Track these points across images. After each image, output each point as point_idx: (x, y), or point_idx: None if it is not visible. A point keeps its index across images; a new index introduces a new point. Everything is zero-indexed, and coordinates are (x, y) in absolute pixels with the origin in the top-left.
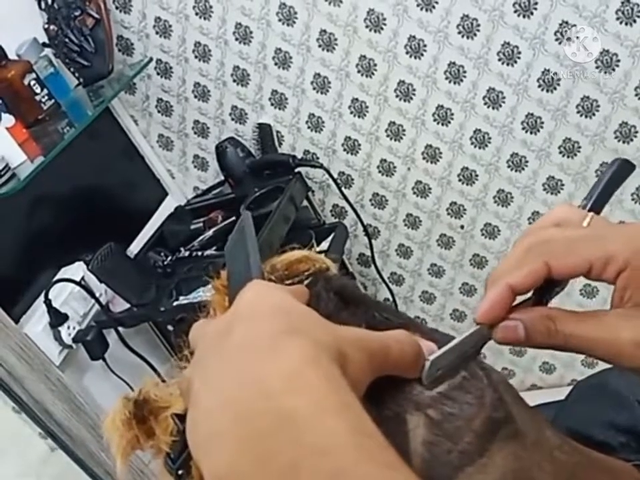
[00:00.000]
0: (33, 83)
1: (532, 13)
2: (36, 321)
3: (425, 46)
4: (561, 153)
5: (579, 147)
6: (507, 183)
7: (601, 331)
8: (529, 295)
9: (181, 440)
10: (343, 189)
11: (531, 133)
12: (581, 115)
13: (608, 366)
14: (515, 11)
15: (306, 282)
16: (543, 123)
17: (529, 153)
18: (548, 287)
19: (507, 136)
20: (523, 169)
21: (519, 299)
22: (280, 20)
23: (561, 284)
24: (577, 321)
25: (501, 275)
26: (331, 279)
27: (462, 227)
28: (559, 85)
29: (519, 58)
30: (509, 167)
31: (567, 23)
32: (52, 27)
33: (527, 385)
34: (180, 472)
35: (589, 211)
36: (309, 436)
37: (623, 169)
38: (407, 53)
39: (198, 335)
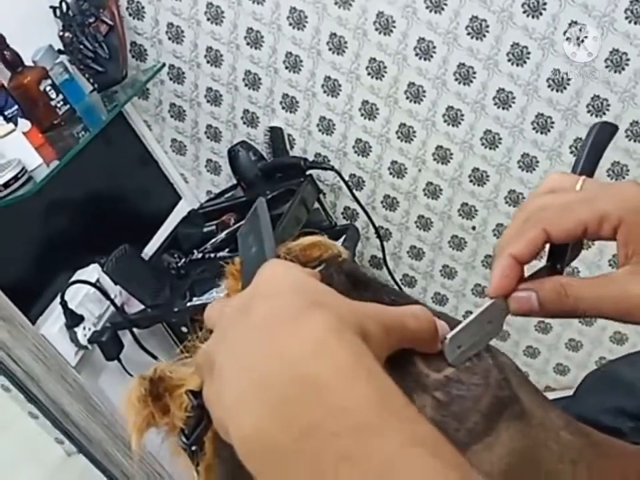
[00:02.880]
0: (48, 88)
1: (541, 14)
2: (52, 322)
3: (434, 48)
4: (571, 152)
5: None
6: (518, 183)
7: (609, 289)
8: (544, 263)
9: (195, 416)
10: (354, 190)
11: (542, 133)
12: (592, 115)
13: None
14: (524, 12)
15: (319, 268)
16: (553, 122)
17: (540, 153)
18: (559, 253)
19: (517, 136)
20: (534, 169)
21: (532, 268)
22: (290, 24)
23: (573, 250)
24: (585, 284)
25: (503, 246)
26: (342, 262)
27: (473, 227)
28: (568, 84)
29: (528, 58)
30: (519, 167)
31: (576, 22)
32: (67, 34)
33: (541, 386)
34: (193, 447)
35: (580, 174)
36: (331, 398)
37: (605, 130)
38: (417, 54)
39: (215, 312)
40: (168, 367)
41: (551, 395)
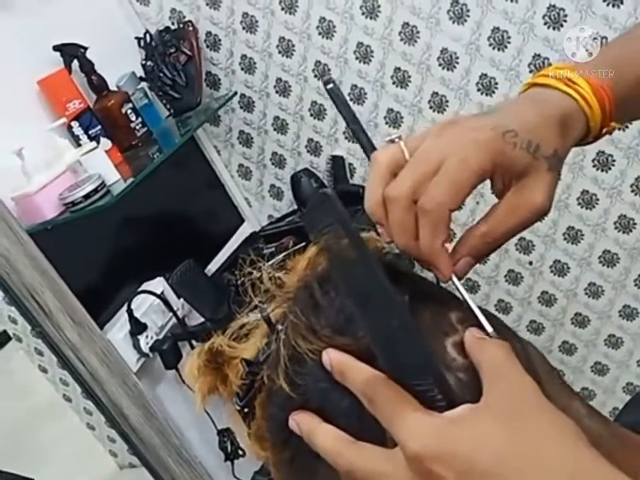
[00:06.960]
0: (129, 112)
1: (562, 25)
2: (118, 328)
3: (496, 84)
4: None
5: None
6: (577, 220)
7: (518, 201)
8: None
9: (248, 382)
10: None
11: (602, 170)
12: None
13: None
14: (545, 23)
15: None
16: (614, 161)
17: (600, 190)
18: None
19: (577, 173)
20: (594, 206)
21: None
22: (357, 58)
23: None
24: (498, 219)
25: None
26: (384, 255)
27: (530, 263)
28: None
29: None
30: (579, 203)
31: (598, 34)
32: (149, 62)
33: None
34: (245, 410)
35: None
36: None
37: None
38: (479, 90)
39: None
40: (224, 341)
41: None
